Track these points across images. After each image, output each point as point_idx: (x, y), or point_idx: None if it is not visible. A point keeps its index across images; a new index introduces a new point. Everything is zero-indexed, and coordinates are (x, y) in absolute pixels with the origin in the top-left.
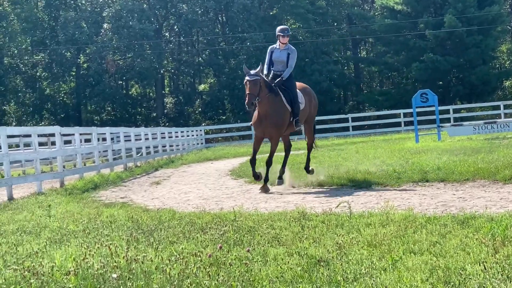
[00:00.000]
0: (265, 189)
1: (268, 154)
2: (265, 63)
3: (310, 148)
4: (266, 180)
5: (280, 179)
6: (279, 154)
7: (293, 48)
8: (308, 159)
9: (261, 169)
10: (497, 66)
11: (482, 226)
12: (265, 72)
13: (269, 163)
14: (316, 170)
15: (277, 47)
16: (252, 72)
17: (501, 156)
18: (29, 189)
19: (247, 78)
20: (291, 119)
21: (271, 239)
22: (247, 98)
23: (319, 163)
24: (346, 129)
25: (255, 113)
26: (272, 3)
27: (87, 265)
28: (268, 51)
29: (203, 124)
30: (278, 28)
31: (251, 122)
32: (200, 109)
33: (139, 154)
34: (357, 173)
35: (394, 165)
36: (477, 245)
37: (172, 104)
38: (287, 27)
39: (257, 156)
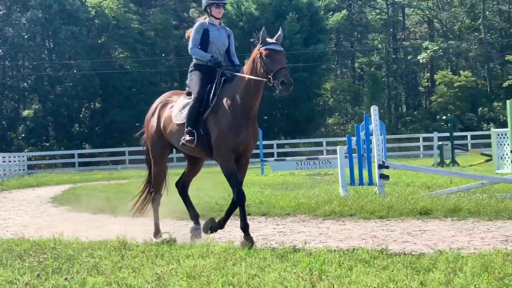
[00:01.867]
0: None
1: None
2: (193, 44)
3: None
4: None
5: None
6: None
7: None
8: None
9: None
10: (321, 103)
11: (301, 261)
12: (203, 57)
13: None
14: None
15: (212, 23)
16: (271, 40)
17: (322, 192)
18: None
19: (271, 47)
20: None
21: (91, 268)
22: (286, 76)
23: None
24: (170, 160)
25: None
26: (100, 32)
27: None
28: (197, 26)
29: (26, 150)
30: None
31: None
32: (23, 135)
33: None
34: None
35: (216, 198)
36: (295, 279)
37: None
38: None
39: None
